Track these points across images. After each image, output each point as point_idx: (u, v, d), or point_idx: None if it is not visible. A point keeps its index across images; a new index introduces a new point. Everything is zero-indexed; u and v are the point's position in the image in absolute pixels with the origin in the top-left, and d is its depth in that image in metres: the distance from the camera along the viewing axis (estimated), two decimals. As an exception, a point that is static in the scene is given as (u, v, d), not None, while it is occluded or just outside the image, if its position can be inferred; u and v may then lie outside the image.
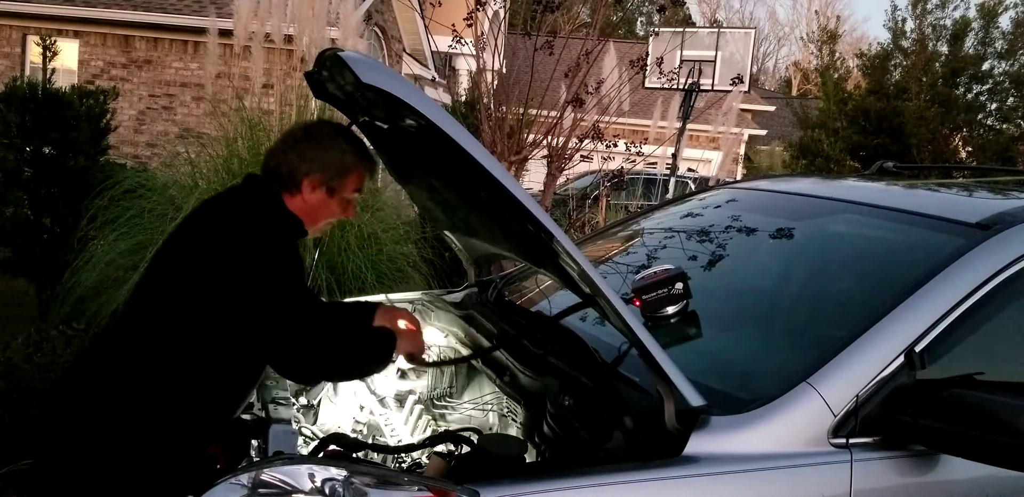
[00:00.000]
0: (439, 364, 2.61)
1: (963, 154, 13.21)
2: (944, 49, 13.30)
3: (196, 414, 1.93)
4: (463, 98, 10.00)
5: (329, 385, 2.48)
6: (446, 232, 2.93)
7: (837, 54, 14.83)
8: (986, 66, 13.22)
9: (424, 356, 2.66)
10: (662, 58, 7.35)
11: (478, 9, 6.24)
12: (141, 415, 1.87)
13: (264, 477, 1.56)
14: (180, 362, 1.90)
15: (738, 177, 14.71)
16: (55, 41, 5.94)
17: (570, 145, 6.87)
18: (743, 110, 17.60)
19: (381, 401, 2.52)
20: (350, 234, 5.47)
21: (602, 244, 3.14)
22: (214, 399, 1.97)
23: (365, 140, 2.56)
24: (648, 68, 7.48)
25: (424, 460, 2.07)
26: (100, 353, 1.99)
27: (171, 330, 1.91)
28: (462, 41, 6.35)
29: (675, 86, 7.91)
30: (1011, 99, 13.24)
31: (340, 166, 2.08)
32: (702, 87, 8.18)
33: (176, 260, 1.97)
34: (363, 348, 2.06)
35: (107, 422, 1.87)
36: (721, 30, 9.43)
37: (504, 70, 7.18)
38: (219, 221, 1.99)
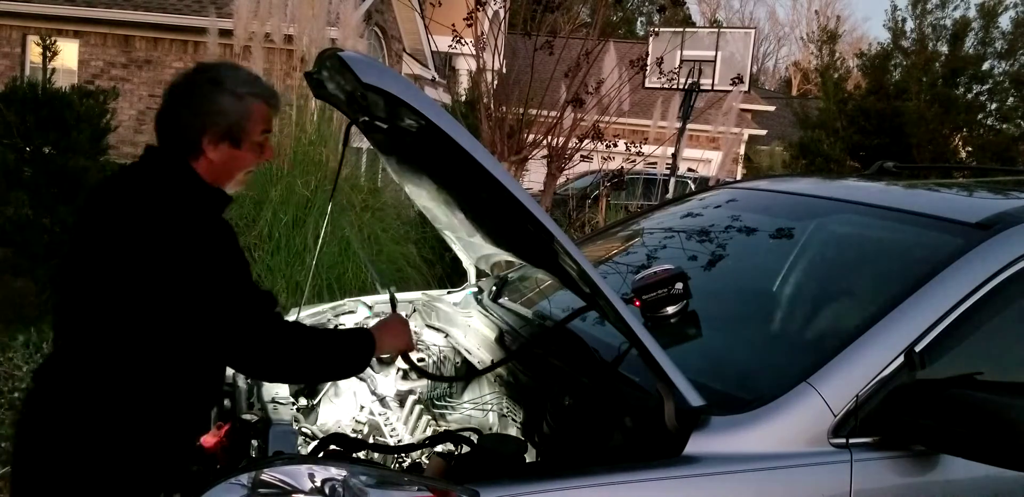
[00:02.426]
0: (437, 378, 2.60)
1: (963, 154, 13.22)
2: (944, 49, 13.31)
3: (166, 410, 1.82)
4: (463, 98, 10.00)
5: (328, 384, 2.48)
6: (446, 232, 2.93)
7: (837, 54, 14.84)
8: (986, 66, 13.24)
9: (422, 358, 2.66)
10: (662, 58, 7.36)
11: (478, 9, 6.25)
12: (108, 417, 1.77)
13: (264, 477, 1.56)
14: (135, 364, 1.77)
15: (738, 177, 14.72)
16: (55, 41, 5.94)
17: (570, 145, 6.87)
18: (743, 110, 17.60)
19: (381, 401, 2.52)
20: (350, 234, 5.47)
21: (602, 244, 3.14)
22: (182, 394, 1.84)
23: (369, 134, 2.55)
24: (648, 68, 7.49)
25: (424, 460, 2.07)
26: (58, 359, 1.86)
27: (117, 334, 1.76)
28: (462, 41, 6.36)
29: (675, 86, 7.92)
30: (1011, 99, 13.25)
31: (236, 110, 1.86)
32: (702, 87, 8.18)
33: (99, 258, 1.77)
34: (333, 345, 1.89)
35: (75, 427, 1.78)
36: (721, 30, 9.42)
37: (504, 70, 7.18)
38: (133, 208, 1.78)
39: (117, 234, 1.76)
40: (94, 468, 1.77)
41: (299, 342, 1.82)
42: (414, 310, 2.98)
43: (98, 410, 1.77)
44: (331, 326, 2.82)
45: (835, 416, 1.72)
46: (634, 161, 7.53)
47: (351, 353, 1.90)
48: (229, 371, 2.62)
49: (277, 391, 2.27)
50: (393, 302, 2.33)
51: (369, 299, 3.00)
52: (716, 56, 8.61)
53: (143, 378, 1.78)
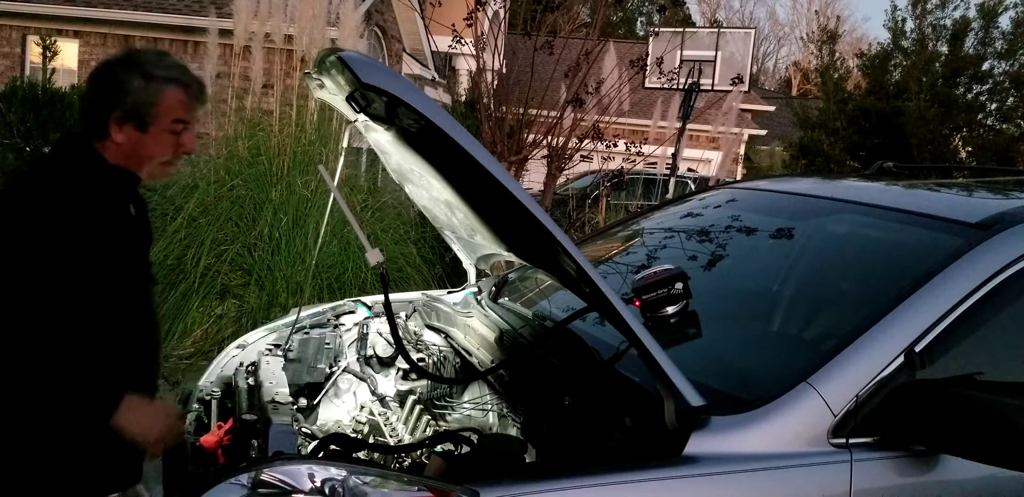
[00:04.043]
0: (440, 379, 2.59)
1: (963, 154, 13.22)
2: (944, 49, 13.32)
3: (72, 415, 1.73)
4: (463, 98, 10.00)
5: (328, 383, 2.48)
6: (446, 232, 2.93)
7: (837, 54, 14.85)
8: (986, 66, 13.25)
9: (422, 358, 2.66)
10: (662, 58, 7.37)
11: (478, 9, 6.25)
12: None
13: (264, 477, 1.56)
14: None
15: (738, 177, 14.72)
16: (55, 41, 5.96)
17: (570, 145, 6.88)
18: (743, 110, 17.59)
19: (381, 401, 2.52)
20: (351, 234, 5.47)
21: (602, 244, 3.14)
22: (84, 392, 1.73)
23: (369, 134, 2.55)
24: (648, 68, 7.49)
25: (424, 460, 2.07)
26: None
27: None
28: (462, 41, 6.36)
29: (675, 86, 7.92)
30: (1011, 99, 13.26)
31: (143, 94, 1.79)
32: (702, 87, 8.19)
33: None
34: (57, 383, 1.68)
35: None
36: (721, 30, 9.43)
37: (504, 70, 7.19)
38: (15, 188, 1.79)
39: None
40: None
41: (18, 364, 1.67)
42: (414, 310, 2.98)
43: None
44: (331, 326, 2.82)
45: (835, 416, 1.71)
46: (634, 161, 7.54)
47: (71, 402, 1.71)
48: (228, 371, 2.63)
49: (277, 391, 2.27)
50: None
51: (369, 299, 3.00)
52: (716, 56, 8.61)
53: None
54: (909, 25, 13.63)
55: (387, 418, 2.43)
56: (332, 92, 2.20)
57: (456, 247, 3.00)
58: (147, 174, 1.88)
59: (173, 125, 1.83)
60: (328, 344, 2.60)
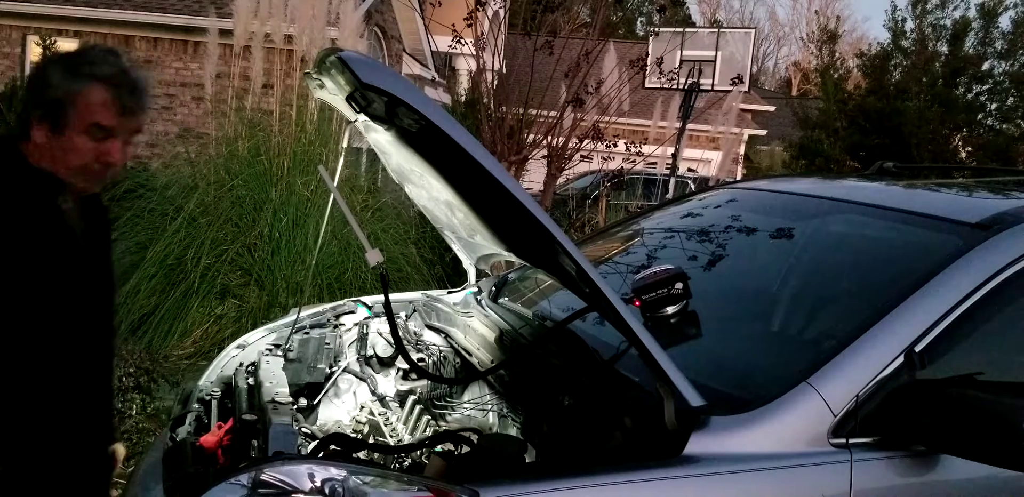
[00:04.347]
0: (440, 379, 2.58)
1: (963, 154, 13.24)
2: (944, 49, 13.34)
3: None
4: (463, 98, 10.01)
5: (328, 383, 2.48)
6: (446, 232, 2.93)
7: (837, 54, 14.87)
8: (986, 66, 13.27)
9: (422, 358, 2.66)
10: (662, 58, 7.38)
11: (478, 9, 6.26)
12: None
13: (264, 477, 1.56)
14: None
15: (738, 177, 14.72)
16: (55, 41, 5.95)
17: (570, 145, 6.89)
18: (743, 110, 17.58)
19: (381, 401, 2.52)
20: (351, 234, 5.48)
21: (602, 244, 3.14)
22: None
23: (369, 134, 2.55)
24: (648, 68, 7.50)
25: (424, 460, 2.07)
26: None
27: None
28: (462, 41, 6.37)
29: (675, 86, 7.93)
30: (1011, 99, 13.28)
31: (63, 88, 1.61)
32: (702, 87, 8.19)
33: None
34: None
35: None
36: (721, 30, 9.44)
37: (504, 70, 7.19)
38: None
39: None
40: None
41: None
42: (414, 310, 2.97)
43: None
44: (331, 326, 2.82)
45: (835, 416, 1.71)
46: (634, 161, 7.55)
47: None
48: (228, 371, 2.63)
49: (277, 391, 2.27)
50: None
51: (369, 299, 3.00)
52: (716, 56, 8.62)
53: None
54: (909, 25, 13.67)
55: (387, 418, 2.42)
56: (332, 92, 2.20)
57: (456, 247, 3.00)
58: (73, 182, 1.68)
59: (91, 130, 1.62)
60: (328, 344, 2.60)
